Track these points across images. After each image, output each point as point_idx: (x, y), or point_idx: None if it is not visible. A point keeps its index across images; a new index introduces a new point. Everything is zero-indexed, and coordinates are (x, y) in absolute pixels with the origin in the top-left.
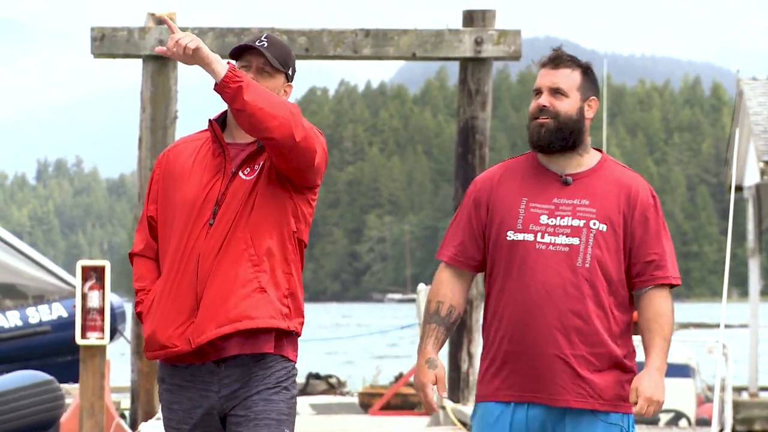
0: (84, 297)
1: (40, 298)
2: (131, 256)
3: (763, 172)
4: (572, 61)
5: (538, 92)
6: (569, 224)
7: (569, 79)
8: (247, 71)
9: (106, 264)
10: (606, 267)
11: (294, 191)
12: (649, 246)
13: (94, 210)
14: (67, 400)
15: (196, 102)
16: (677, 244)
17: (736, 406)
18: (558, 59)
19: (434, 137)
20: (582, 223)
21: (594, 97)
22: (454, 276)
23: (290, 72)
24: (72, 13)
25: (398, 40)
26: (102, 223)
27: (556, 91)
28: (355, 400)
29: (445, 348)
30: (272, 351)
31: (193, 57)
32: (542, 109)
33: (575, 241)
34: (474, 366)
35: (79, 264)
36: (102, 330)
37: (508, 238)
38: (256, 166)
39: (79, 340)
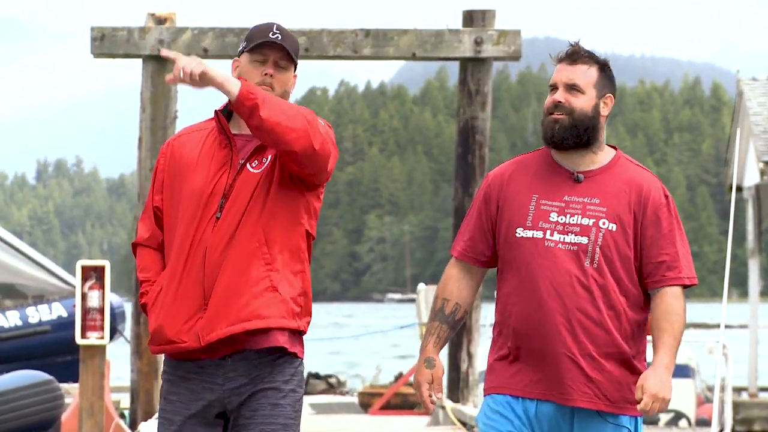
0: (84, 297)
1: (40, 298)
2: (134, 245)
3: (763, 173)
4: (589, 57)
5: (554, 88)
6: (579, 223)
7: (586, 75)
8: (263, 65)
9: (106, 264)
10: (615, 267)
11: (306, 189)
12: (661, 246)
13: (93, 210)
14: (67, 400)
15: (196, 102)
16: None
17: (736, 406)
18: (575, 55)
19: (434, 137)
20: (591, 222)
21: (610, 95)
22: (463, 272)
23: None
24: (72, 13)
25: (398, 40)
26: (102, 223)
27: (572, 87)
28: (355, 399)
29: (445, 348)
30: (280, 348)
31: (202, 80)
32: (557, 105)
33: (584, 240)
34: (474, 366)
35: (79, 264)
36: (102, 330)
37: (517, 235)
38: (264, 159)
39: (78, 340)
